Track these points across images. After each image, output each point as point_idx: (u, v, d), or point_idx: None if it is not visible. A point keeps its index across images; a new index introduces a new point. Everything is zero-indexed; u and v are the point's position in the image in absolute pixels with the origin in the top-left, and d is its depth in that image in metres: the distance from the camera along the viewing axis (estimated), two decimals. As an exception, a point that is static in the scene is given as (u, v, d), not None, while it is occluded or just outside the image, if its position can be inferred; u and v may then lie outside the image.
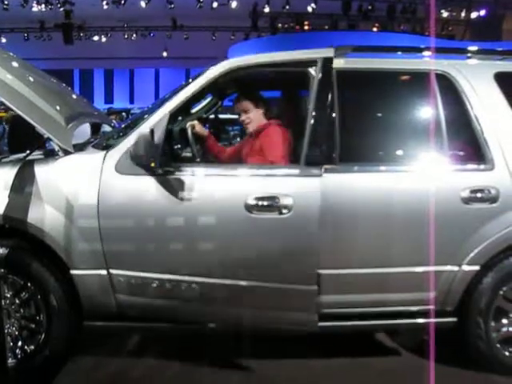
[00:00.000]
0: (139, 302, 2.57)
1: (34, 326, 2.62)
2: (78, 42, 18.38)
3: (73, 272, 2.54)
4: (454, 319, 2.68)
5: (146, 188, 2.51)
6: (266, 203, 2.48)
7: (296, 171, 2.57)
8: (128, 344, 3.03)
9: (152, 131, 2.35)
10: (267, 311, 2.58)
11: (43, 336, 2.61)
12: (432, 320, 2.64)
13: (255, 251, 2.52)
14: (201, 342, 2.99)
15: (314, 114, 2.60)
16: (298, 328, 2.60)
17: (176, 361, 2.85)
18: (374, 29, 17.77)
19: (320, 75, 2.63)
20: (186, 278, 2.51)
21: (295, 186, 2.52)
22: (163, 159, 2.49)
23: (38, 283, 2.57)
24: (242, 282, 2.53)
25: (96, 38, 19.37)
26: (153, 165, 2.40)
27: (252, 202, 2.47)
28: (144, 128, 2.49)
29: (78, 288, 2.56)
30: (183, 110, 2.94)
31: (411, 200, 2.56)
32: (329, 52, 2.69)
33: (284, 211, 2.48)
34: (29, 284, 2.58)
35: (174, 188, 2.48)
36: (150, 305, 2.57)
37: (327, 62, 2.65)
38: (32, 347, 2.62)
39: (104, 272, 2.53)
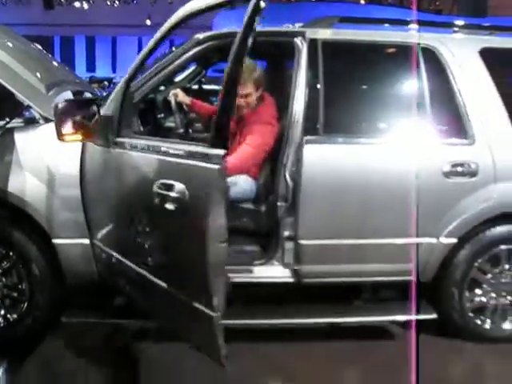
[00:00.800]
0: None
1: (16, 294, 2.63)
2: (59, 8, 17.85)
3: (54, 241, 2.53)
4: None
5: (103, 159, 2.44)
6: None
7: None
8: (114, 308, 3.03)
9: (154, 100, 2.32)
10: None
11: (26, 305, 2.62)
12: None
13: None
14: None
15: (298, 84, 2.59)
16: None
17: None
18: (362, 1, 17.56)
19: (305, 46, 2.61)
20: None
21: None
22: (126, 131, 2.41)
23: (19, 252, 2.56)
24: None
25: (77, 4, 18.82)
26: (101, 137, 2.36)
27: None
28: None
29: (60, 257, 2.56)
30: (165, 80, 2.88)
31: (393, 172, 2.59)
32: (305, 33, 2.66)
33: None
34: (11, 253, 2.58)
35: (111, 161, 2.40)
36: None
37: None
38: (15, 316, 2.63)
39: (86, 241, 2.52)
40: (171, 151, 2.06)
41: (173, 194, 1.94)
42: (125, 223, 2.38)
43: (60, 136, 2.27)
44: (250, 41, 1.85)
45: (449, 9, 17.64)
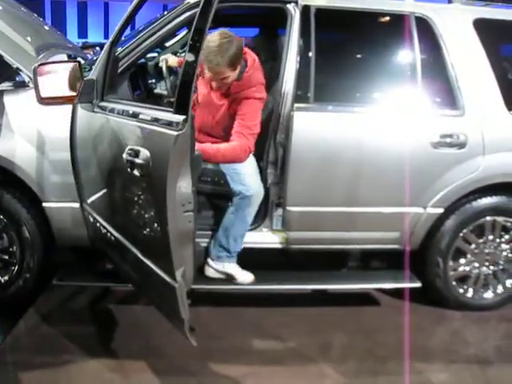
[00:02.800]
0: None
1: (7, 257, 2.65)
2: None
3: (45, 205, 2.55)
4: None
5: (88, 123, 2.41)
6: None
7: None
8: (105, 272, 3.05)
9: (145, 65, 2.29)
10: None
11: (16, 267, 2.65)
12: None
13: None
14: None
15: (290, 52, 2.57)
16: None
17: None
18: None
19: (298, 13, 2.58)
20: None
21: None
22: (110, 96, 2.40)
23: (10, 216, 2.58)
24: None
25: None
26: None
27: None
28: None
29: (51, 220, 2.58)
30: (156, 44, 2.84)
31: (382, 142, 2.60)
32: None
33: None
34: (1, 216, 2.59)
35: (94, 125, 2.39)
36: None
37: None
38: (6, 278, 2.66)
39: (76, 205, 2.54)
40: (141, 117, 2.03)
41: (138, 161, 1.92)
42: (104, 188, 2.40)
43: (40, 99, 2.24)
44: (214, 5, 1.74)
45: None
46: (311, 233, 2.70)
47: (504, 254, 2.85)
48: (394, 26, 2.77)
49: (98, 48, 7.81)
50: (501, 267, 2.87)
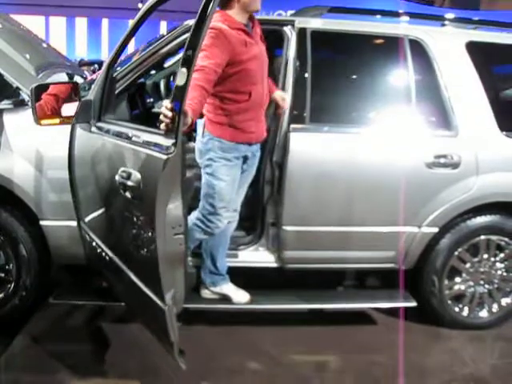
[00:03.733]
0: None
1: (3, 275, 2.65)
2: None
3: (42, 223, 2.56)
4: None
5: (86, 143, 2.43)
6: None
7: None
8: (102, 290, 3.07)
9: (143, 85, 2.31)
10: None
11: (13, 285, 2.64)
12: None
13: None
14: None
15: (286, 73, 2.62)
16: None
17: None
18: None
19: (294, 35, 2.63)
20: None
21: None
22: (107, 116, 2.42)
23: (7, 233, 2.58)
24: None
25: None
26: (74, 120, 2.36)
27: None
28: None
29: (48, 239, 2.59)
30: (155, 65, 2.89)
31: (377, 162, 2.63)
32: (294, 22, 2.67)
33: None
34: (-2, 234, 2.59)
35: (91, 145, 2.41)
36: None
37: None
38: (1, 296, 2.66)
39: (74, 223, 2.55)
40: (133, 139, 2.03)
41: (130, 183, 1.94)
42: (100, 208, 2.42)
43: (37, 120, 2.27)
44: (206, 27, 1.73)
45: (441, 1, 17.66)
46: (307, 252, 2.71)
47: (499, 272, 2.87)
48: (388, 49, 2.82)
49: (96, 65, 7.89)
50: (496, 286, 2.88)
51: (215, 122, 2.37)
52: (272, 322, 2.83)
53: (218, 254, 2.66)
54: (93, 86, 2.45)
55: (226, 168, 2.41)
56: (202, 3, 1.73)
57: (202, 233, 2.52)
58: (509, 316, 2.94)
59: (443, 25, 2.98)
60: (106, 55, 19.40)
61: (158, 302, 1.88)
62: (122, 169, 2.00)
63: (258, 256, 2.74)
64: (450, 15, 3.09)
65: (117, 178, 2.02)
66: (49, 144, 2.52)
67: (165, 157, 1.75)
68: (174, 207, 1.84)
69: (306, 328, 2.84)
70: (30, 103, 2.56)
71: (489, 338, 2.88)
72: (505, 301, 2.90)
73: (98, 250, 2.37)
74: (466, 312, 2.88)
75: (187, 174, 1.96)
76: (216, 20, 2.20)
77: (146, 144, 1.91)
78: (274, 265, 2.74)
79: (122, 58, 2.90)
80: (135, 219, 2.03)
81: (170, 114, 1.75)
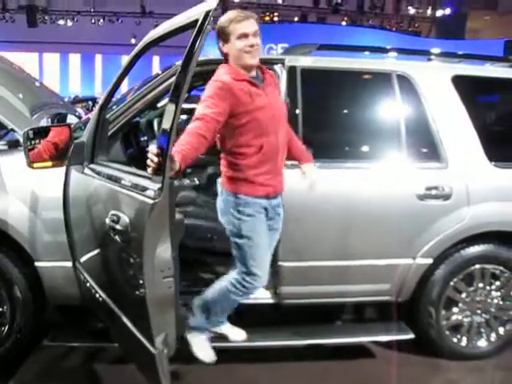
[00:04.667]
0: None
1: (-3, 317, 2.62)
2: (43, 26, 17.88)
3: (37, 264, 2.55)
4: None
5: (79, 185, 2.44)
6: None
7: None
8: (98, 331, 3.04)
9: (138, 123, 2.34)
10: None
11: (7, 328, 2.61)
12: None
13: None
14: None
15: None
16: None
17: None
18: (343, 23, 17.94)
19: (285, 73, 2.69)
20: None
21: None
22: (100, 157, 2.46)
23: (1, 275, 2.56)
24: None
25: (62, 22, 18.83)
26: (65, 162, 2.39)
27: None
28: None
29: (43, 280, 2.57)
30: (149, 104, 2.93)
31: (370, 197, 2.66)
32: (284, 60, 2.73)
33: None
34: (-8, 276, 2.57)
35: (84, 186, 2.42)
36: None
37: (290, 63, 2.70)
38: (-6, 339, 2.62)
39: (69, 264, 2.54)
40: (122, 182, 2.04)
41: (118, 226, 1.94)
42: (93, 249, 2.42)
43: (29, 163, 2.29)
44: (192, 66, 1.72)
45: (427, 31, 18.13)
46: (303, 287, 2.71)
47: (495, 301, 2.87)
48: (376, 84, 2.89)
49: (90, 102, 7.94)
50: (493, 315, 2.88)
51: (230, 178, 2.30)
52: (270, 359, 2.80)
53: (228, 308, 2.52)
54: (86, 128, 2.48)
55: (247, 225, 2.29)
56: (189, 42, 1.75)
57: (239, 294, 2.39)
58: (507, 345, 2.93)
59: (429, 59, 3.06)
60: (99, 91, 19.66)
61: (148, 345, 1.85)
62: (112, 212, 2.01)
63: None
64: (435, 50, 3.18)
65: (107, 221, 2.03)
66: (43, 185, 2.53)
67: (151, 201, 1.74)
68: (163, 250, 1.81)
69: (304, 363, 2.81)
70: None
71: (488, 367, 2.87)
72: (502, 329, 2.89)
73: (93, 291, 2.36)
74: (464, 342, 2.87)
75: (178, 215, 1.94)
76: (221, 73, 2.23)
77: (135, 187, 1.92)
78: (271, 301, 2.73)
79: (117, 97, 2.96)
80: (125, 262, 2.03)
81: (155, 159, 1.74)
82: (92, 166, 2.40)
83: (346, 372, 2.74)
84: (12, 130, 2.66)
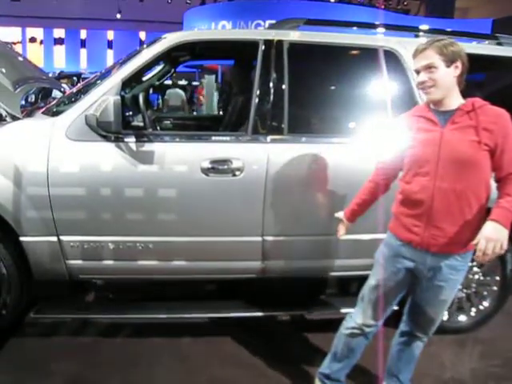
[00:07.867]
0: (92, 265, 2.61)
1: (-18, 293, 2.61)
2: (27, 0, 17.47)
3: (22, 239, 2.53)
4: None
5: (102, 154, 2.49)
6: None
7: (246, 138, 2.62)
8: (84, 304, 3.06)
9: (122, 98, 2.35)
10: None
11: (-8, 303, 2.60)
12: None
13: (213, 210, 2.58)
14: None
15: (264, 85, 2.65)
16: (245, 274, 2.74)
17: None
18: (332, 0, 17.75)
19: (271, 48, 2.67)
20: (143, 238, 2.57)
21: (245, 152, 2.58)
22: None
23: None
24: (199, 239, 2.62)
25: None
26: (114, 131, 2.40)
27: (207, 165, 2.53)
28: (102, 95, 2.47)
29: (28, 255, 2.56)
30: (134, 78, 2.92)
31: (355, 171, 2.64)
32: (270, 34, 2.73)
33: (237, 173, 2.55)
34: (-24, 251, 2.55)
35: (132, 154, 2.50)
36: (104, 267, 2.62)
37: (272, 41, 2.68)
38: (-20, 314, 2.62)
39: (54, 239, 2.53)
40: None
41: None
42: None
43: None
44: None
45: (416, 9, 18.03)
46: (288, 262, 2.73)
47: (476, 277, 2.93)
48: (363, 59, 2.88)
49: (75, 78, 7.79)
50: (473, 290, 2.94)
51: None
52: (256, 333, 2.84)
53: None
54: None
55: (376, 265, 2.13)
56: None
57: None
58: (486, 319, 3.00)
59: (417, 36, 3.05)
60: (84, 66, 19.35)
61: None
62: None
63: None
64: (424, 26, 3.16)
65: None
66: (27, 160, 2.49)
67: None
68: None
69: (292, 336, 2.85)
70: (7, 118, 2.57)
71: (468, 341, 2.94)
72: (482, 305, 2.96)
73: None
74: (445, 317, 2.93)
75: None
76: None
77: None
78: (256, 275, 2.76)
79: (102, 71, 2.92)
80: None
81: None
82: (127, 134, 2.52)
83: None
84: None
